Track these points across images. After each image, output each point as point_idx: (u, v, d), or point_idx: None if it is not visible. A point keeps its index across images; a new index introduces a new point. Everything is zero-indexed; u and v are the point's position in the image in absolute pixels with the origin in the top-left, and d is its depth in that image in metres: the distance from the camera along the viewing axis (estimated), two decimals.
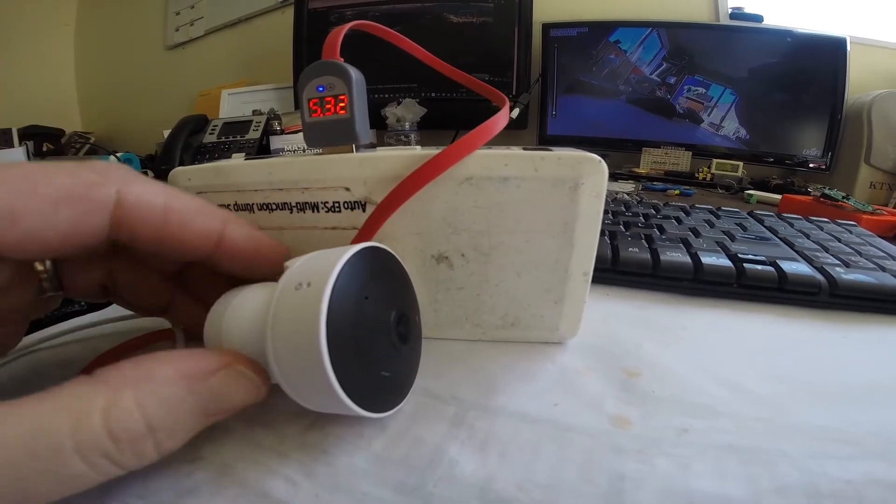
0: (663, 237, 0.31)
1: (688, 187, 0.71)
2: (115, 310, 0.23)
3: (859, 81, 0.73)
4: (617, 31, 0.83)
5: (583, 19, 0.86)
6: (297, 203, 0.19)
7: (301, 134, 0.80)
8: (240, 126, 0.80)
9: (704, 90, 0.80)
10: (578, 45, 0.86)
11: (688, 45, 0.80)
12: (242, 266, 0.17)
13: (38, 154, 1.10)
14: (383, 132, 0.79)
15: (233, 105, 1.02)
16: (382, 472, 0.14)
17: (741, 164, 0.76)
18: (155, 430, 0.11)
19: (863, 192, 0.68)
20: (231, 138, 0.78)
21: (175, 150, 0.74)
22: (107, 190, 0.13)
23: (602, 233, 0.30)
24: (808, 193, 0.62)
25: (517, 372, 0.19)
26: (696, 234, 0.32)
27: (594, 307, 0.23)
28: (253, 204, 0.20)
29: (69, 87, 1.50)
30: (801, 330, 0.23)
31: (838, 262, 0.28)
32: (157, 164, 0.76)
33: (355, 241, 0.17)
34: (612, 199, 0.43)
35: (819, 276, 0.25)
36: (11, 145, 1.03)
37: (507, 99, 0.21)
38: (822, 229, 0.35)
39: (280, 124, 0.80)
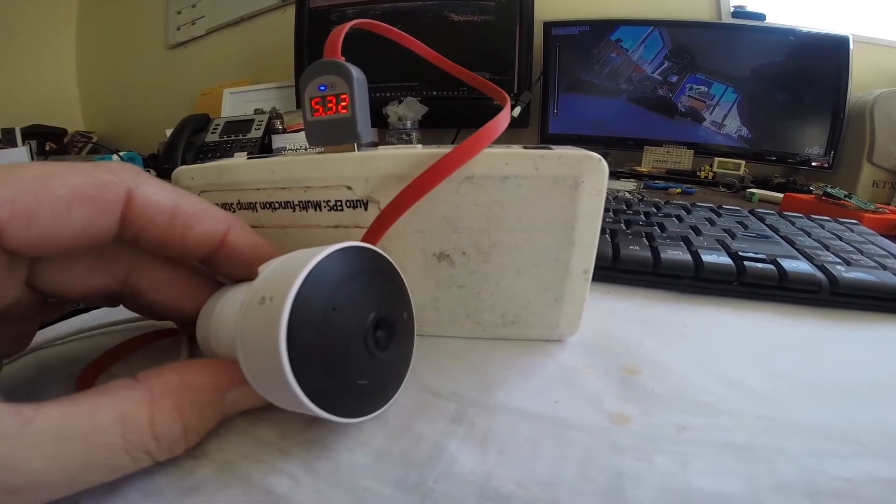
0: (664, 235, 0.31)
1: (689, 186, 0.71)
2: (118, 312, 0.23)
3: (862, 80, 0.72)
4: (619, 30, 0.83)
5: (584, 18, 0.86)
6: (299, 202, 0.19)
7: (303, 133, 0.80)
8: (242, 125, 0.80)
9: (706, 89, 0.80)
10: (580, 43, 0.86)
11: (689, 44, 0.80)
12: (238, 269, 0.17)
13: (40, 153, 1.10)
14: (384, 131, 0.79)
15: (234, 104, 1.02)
16: (383, 468, 0.14)
17: (743, 162, 0.75)
18: (188, 432, 0.13)
19: (865, 190, 0.68)
20: (233, 137, 0.78)
21: (177, 150, 0.75)
22: (118, 189, 0.14)
23: (603, 231, 0.30)
24: (810, 192, 0.62)
25: (517, 369, 0.19)
26: (697, 232, 0.32)
27: (594, 305, 0.23)
28: (256, 203, 0.20)
29: (71, 86, 1.51)
30: (802, 328, 0.23)
31: (839, 260, 0.28)
32: (160, 164, 0.76)
33: (362, 240, 0.17)
34: (614, 198, 0.43)
35: (820, 275, 0.25)
36: (15, 145, 1.04)
37: (508, 97, 0.21)
38: (823, 228, 0.35)
39: (282, 123, 0.81)
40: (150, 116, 1.28)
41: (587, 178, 0.17)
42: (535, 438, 0.15)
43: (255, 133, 0.78)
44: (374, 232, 0.17)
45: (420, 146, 0.18)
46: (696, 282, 0.26)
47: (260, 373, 0.14)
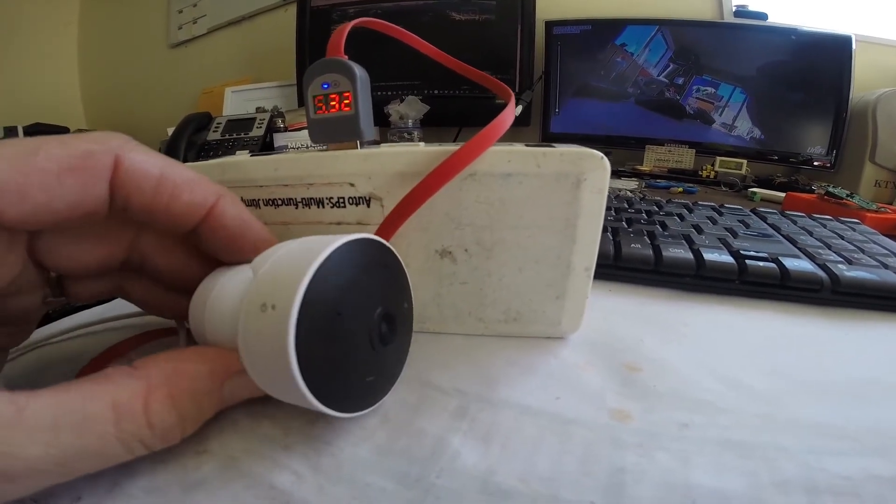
0: (665, 234, 0.31)
1: (691, 185, 0.71)
2: (120, 307, 0.23)
3: (864, 79, 0.72)
4: (623, 34, 0.83)
5: (586, 17, 0.86)
6: (302, 199, 0.19)
7: (305, 131, 0.80)
8: (243, 123, 0.80)
9: (714, 90, 0.80)
10: (582, 42, 0.86)
11: (693, 45, 0.80)
12: (226, 246, 0.16)
13: None
14: (386, 129, 0.79)
15: (236, 102, 1.02)
16: (385, 464, 0.14)
17: (745, 161, 0.75)
18: (184, 420, 0.13)
19: (867, 190, 0.68)
20: (235, 136, 0.78)
21: (179, 148, 0.75)
22: (105, 157, 0.13)
23: (604, 229, 0.30)
24: (812, 191, 0.62)
25: (519, 366, 0.19)
26: (699, 230, 0.32)
27: (596, 303, 0.23)
28: (259, 200, 0.20)
29: (73, 85, 1.51)
30: (803, 327, 0.23)
31: (841, 259, 0.28)
32: None
33: None
34: (615, 196, 0.43)
35: (821, 273, 0.25)
36: None
37: (512, 93, 0.21)
38: (824, 227, 0.35)
39: (283, 121, 0.81)
40: (151, 115, 1.28)
41: (589, 175, 0.17)
42: (536, 434, 0.15)
43: (257, 131, 0.78)
44: (385, 230, 0.17)
45: (422, 144, 0.18)
46: (698, 280, 0.26)
47: (266, 376, 0.14)
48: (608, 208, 0.35)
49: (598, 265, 0.19)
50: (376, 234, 0.17)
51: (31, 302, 0.16)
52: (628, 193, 0.59)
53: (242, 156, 0.20)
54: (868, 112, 0.68)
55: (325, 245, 0.13)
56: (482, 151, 0.17)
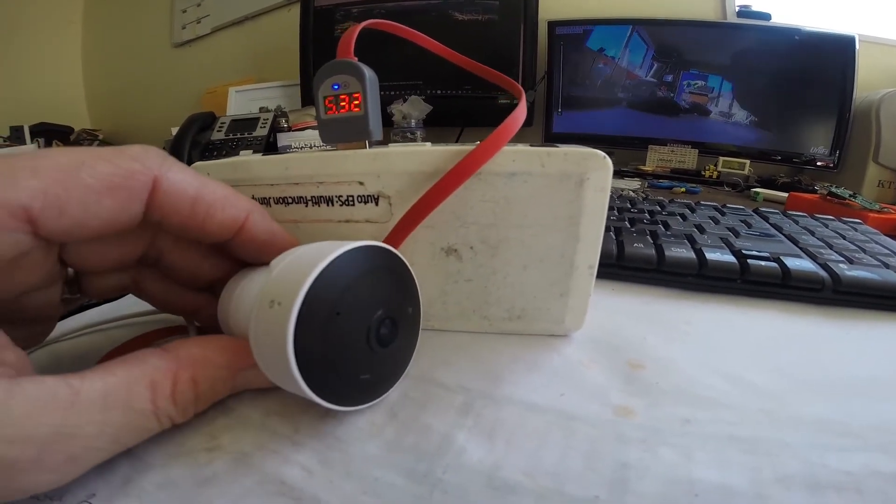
0: (668, 233, 0.31)
1: (694, 185, 0.71)
2: (132, 304, 0.24)
3: (868, 80, 0.72)
4: (593, 35, 0.83)
5: (589, 17, 0.86)
6: (312, 197, 0.20)
7: (308, 131, 0.80)
8: (247, 123, 0.80)
9: (703, 82, 0.80)
10: (585, 43, 0.86)
11: (672, 42, 0.81)
12: (256, 254, 0.18)
13: None
14: (389, 129, 0.79)
15: (240, 102, 1.02)
16: (393, 459, 0.14)
17: (748, 162, 0.75)
18: (198, 400, 0.15)
19: (871, 190, 0.68)
20: (239, 135, 0.78)
21: (184, 147, 0.75)
22: (144, 178, 0.14)
23: (607, 229, 0.31)
24: (815, 192, 0.62)
25: (524, 363, 0.19)
26: (701, 230, 0.32)
27: (599, 301, 0.23)
28: (270, 198, 0.20)
29: (77, 84, 1.51)
30: (804, 326, 0.23)
31: (842, 258, 0.28)
32: None
33: (387, 240, 0.18)
34: (618, 196, 0.44)
35: (822, 273, 0.26)
36: (24, 142, 1.05)
37: (523, 91, 0.21)
38: (826, 227, 0.35)
39: (287, 121, 0.81)
40: (155, 114, 1.29)
41: (592, 175, 0.18)
42: (541, 430, 0.15)
43: (261, 131, 0.78)
44: (401, 231, 0.17)
45: (428, 144, 0.19)
46: (700, 279, 0.26)
47: (270, 367, 0.15)
48: (611, 208, 0.35)
49: (602, 264, 0.20)
50: (392, 233, 0.18)
51: (50, 299, 0.16)
52: (631, 193, 0.59)
53: (253, 155, 0.20)
54: (872, 112, 0.68)
55: (332, 249, 0.14)
56: (497, 151, 0.17)
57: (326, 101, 0.18)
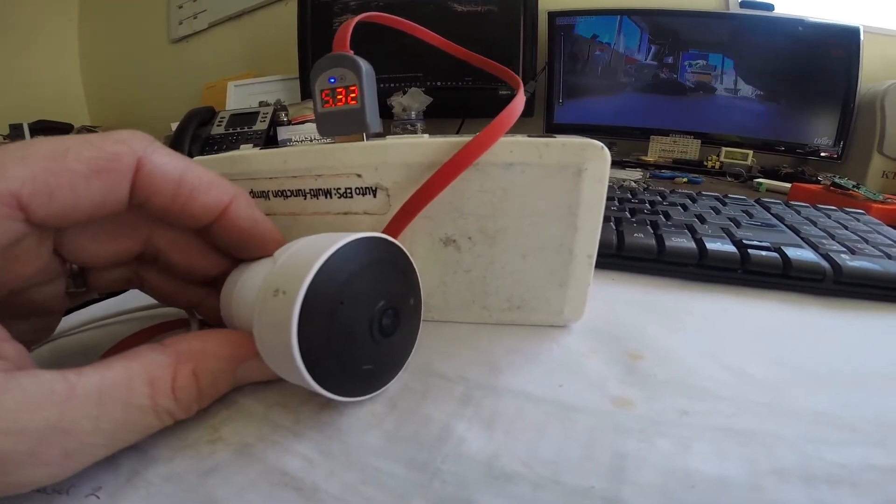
0: (669, 223, 0.31)
1: (696, 175, 0.71)
2: (134, 299, 0.24)
3: (872, 71, 0.71)
4: (579, 25, 0.82)
5: (588, 7, 0.85)
6: (310, 189, 0.20)
7: (308, 124, 0.80)
8: (247, 117, 0.80)
9: (705, 61, 0.79)
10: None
11: (665, 23, 0.80)
12: (237, 242, 0.17)
13: None
14: (389, 121, 0.79)
15: (239, 97, 1.02)
16: (394, 449, 0.14)
17: (751, 152, 0.75)
18: (201, 396, 0.15)
19: (875, 181, 0.67)
20: (238, 130, 0.78)
21: (184, 142, 0.75)
22: (129, 159, 0.14)
23: (608, 219, 0.31)
24: (818, 182, 0.62)
25: (523, 353, 0.19)
26: (702, 220, 0.32)
27: (599, 292, 0.23)
28: (268, 191, 0.20)
29: (75, 82, 1.51)
30: (805, 316, 0.23)
31: (844, 249, 0.28)
32: None
33: (386, 230, 0.18)
34: (619, 187, 0.43)
35: (824, 263, 0.25)
36: (23, 139, 1.05)
37: (521, 83, 0.21)
38: (829, 217, 0.35)
39: (287, 115, 0.80)
40: (154, 110, 1.29)
41: (590, 165, 0.18)
42: (540, 420, 0.15)
43: (261, 125, 0.78)
44: (399, 222, 0.18)
45: (426, 136, 0.19)
46: (700, 269, 0.26)
47: (273, 356, 0.15)
48: (612, 198, 0.35)
49: (602, 255, 0.20)
50: (391, 224, 0.18)
51: (55, 293, 0.16)
52: (632, 184, 0.59)
53: (252, 149, 0.20)
54: (876, 103, 0.67)
55: (337, 240, 0.14)
56: (494, 142, 0.17)
57: (323, 95, 0.18)
